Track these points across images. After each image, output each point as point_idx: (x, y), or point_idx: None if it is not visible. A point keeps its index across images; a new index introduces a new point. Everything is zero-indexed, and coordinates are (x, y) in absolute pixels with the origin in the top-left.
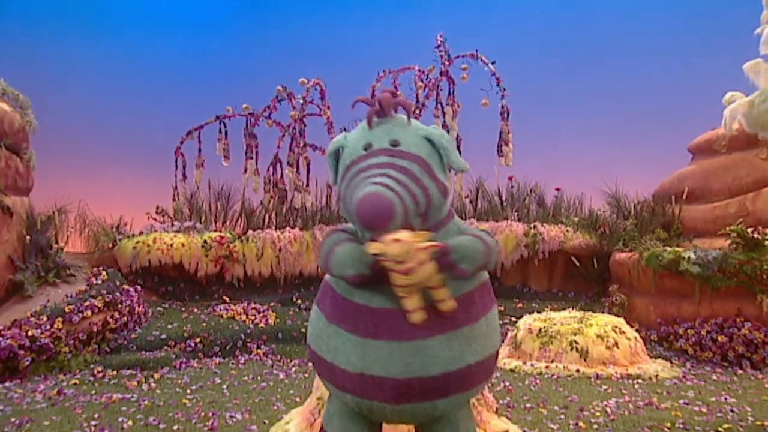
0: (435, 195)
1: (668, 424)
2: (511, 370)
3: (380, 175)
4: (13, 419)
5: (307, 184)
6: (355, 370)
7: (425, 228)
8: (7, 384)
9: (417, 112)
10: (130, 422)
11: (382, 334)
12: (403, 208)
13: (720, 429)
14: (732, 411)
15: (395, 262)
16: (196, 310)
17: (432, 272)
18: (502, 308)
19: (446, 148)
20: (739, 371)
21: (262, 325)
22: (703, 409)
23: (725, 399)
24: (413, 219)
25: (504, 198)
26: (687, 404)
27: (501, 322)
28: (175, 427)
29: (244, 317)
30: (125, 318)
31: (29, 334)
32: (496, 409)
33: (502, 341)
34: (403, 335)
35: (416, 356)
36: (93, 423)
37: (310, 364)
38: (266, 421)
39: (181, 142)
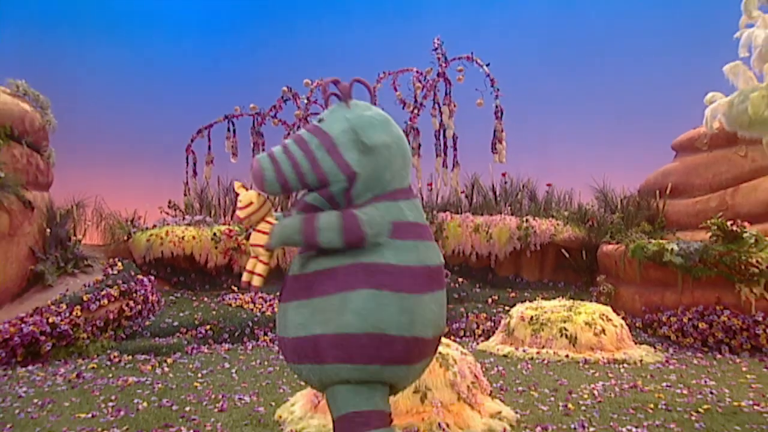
0: (329, 169)
1: (651, 406)
2: (504, 356)
3: (281, 144)
4: (35, 400)
5: None
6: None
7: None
8: (29, 368)
9: (415, 111)
10: (145, 404)
11: (282, 296)
12: (278, 174)
13: (700, 410)
14: (711, 393)
15: (239, 210)
16: (206, 299)
17: (257, 242)
18: (496, 297)
19: (361, 125)
20: (719, 356)
21: (268, 313)
22: (685, 391)
23: (705, 382)
24: (306, 190)
25: (498, 193)
26: (669, 387)
27: (494, 311)
28: (187, 409)
29: (251, 306)
30: (140, 306)
31: (50, 321)
32: (490, 392)
33: (494, 330)
34: (282, 298)
35: (282, 318)
36: (110, 404)
37: None
38: (273, 403)
39: (192, 140)
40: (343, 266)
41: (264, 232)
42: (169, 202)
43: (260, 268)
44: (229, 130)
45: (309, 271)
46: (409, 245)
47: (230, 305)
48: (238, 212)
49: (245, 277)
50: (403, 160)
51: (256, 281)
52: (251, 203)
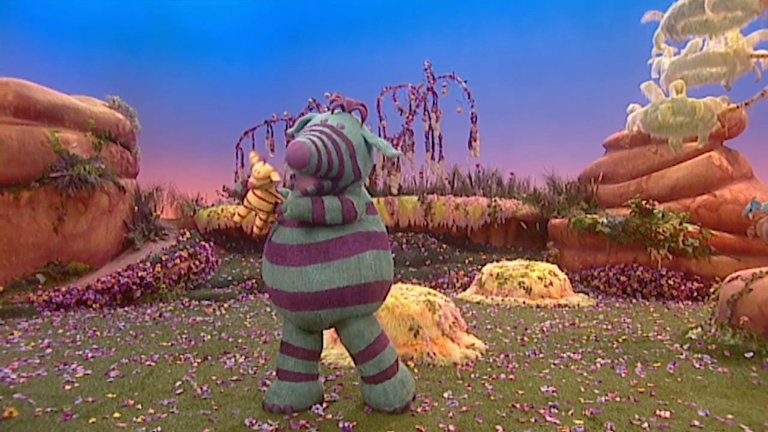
0: (348, 171)
1: (585, 337)
2: (477, 303)
3: (315, 135)
4: (131, 332)
5: None
6: (270, 285)
7: (334, 189)
8: (125, 308)
9: (410, 117)
10: (209, 336)
11: (279, 261)
12: (318, 162)
13: (619, 339)
14: (628, 327)
15: (254, 177)
16: (252, 259)
17: (260, 206)
18: (471, 258)
19: (376, 142)
20: (634, 300)
21: None
22: (609, 327)
23: (624, 319)
24: (325, 179)
25: (473, 179)
26: (598, 323)
27: (470, 269)
28: (240, 341)
29: None
30: (203, 265)
31: (139, 275)
32: (466, 329)
33: (469, 283)
34: (292, 262)
35: (299, 277)
36: (184, 336)
37: None
38: None
39: (240, 140)
40: (351, 235)
41: (267, 201)
42: (223, 187)
43: (259, 222)
44: (268, 132)
45: (320, 240)
46: (377, 218)
47: None
48: (253, 180)
49: (256, 231)
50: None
51: (256, 231)
52: (268, 178)
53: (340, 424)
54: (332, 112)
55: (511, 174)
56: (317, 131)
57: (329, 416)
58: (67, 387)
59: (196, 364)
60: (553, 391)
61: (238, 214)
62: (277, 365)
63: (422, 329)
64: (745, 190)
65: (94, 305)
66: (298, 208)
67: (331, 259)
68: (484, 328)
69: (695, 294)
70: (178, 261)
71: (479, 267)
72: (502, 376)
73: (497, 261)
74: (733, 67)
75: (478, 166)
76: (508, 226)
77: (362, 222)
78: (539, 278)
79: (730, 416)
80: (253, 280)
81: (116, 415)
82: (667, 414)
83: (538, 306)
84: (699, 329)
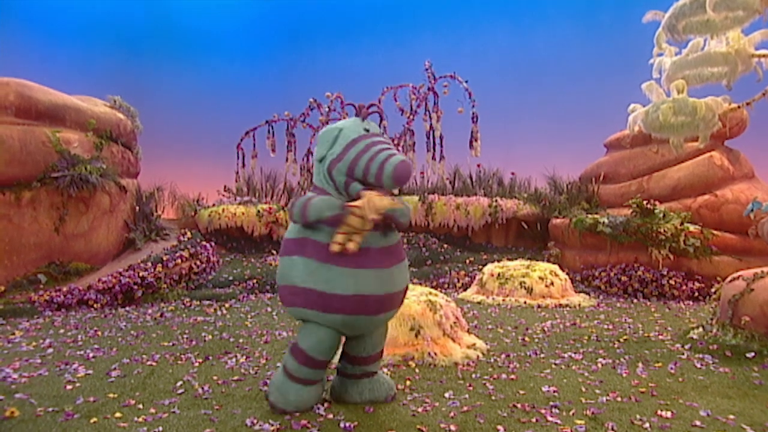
0: None
1: (586, 337)
2: (478, 303)
3: (395, 149)
4: (132, 332)
5: None
6: (351, 292)
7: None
8: (126, 308)
9: (411, 117)
10: (210, 336)
11: (366, 264)
12: None
13: (621, 339)
14: (629, 327)
15: (368, 208)
16: (252, 260)
17: (369, 227)
18: (472, 258)
19: None
20: (635, 300)
21: None
22: (610, 327)
23: (625, 319)
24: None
25: (474, 179)
26: (599, 323)
27: (471, 269)
28: (241, 341)
29: None
30: (204, 265)
31: (140, 275)
32: (467, 329)
33: (470, 283)
34: (381, 264)
35: (390, 278)
36: (185, 336)
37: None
38: None
39: (241, 140)
40: (401, 239)
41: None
42: (224, 187)
43: (360, 239)
44: (269, 132)
45: (394, 242)
46: None
47: (270, 264)
48: (376, 216)
49: (336, 248)
50: None
51: (352, 248)
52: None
53: (342, 424)
54: (363, 119)
55: (512, 174)
56: (386, 144)
57: (330, 416)
58: (69, 387)
59: (197, 364)
60: (554, 391)
61: (338, 243)
62: (288, 370)
63: (423, 329)
64: (746, 190)
65: (95, 305)
66: (407, 215)
67: (401, 260)
68: (485, 328)
69: (696, 294)
70: (179, 261)
71: (480, 267)
72: (503, 376)
73: (498, 261)
74: (735, 66)
75: (479, 166)
76: (509, 226)
77: None
78: (540, 278)
79: (731, 416)
80: (254, 280)
81: (117, 414)
82: (669, 414)
83: (539, 306)
84: (700, 329)
